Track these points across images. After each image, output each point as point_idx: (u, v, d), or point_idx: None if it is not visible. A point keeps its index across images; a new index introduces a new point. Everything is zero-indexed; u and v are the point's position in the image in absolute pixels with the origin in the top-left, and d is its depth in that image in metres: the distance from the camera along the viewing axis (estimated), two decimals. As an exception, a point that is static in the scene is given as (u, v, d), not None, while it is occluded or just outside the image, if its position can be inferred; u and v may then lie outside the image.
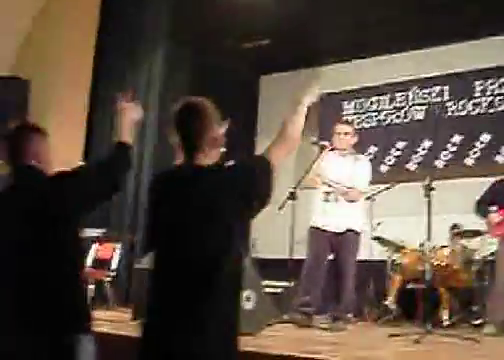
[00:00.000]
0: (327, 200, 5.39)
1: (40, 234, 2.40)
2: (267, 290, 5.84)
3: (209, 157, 2.32)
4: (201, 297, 2.10)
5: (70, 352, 2.34)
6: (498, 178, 6.23)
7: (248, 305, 4.12)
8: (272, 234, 7.78)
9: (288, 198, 5.20)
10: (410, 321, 6.52)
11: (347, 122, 5.72)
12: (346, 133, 5.51)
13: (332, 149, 5.49)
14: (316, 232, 5.44)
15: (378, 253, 7.42)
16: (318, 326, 5.19)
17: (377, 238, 7.28)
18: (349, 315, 5.58)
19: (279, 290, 6.03)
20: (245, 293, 4.11)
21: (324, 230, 5.42)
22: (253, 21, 8.22)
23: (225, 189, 2.21)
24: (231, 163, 2.36)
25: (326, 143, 5.45)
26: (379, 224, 7.34)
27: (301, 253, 5.58)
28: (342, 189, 5.36)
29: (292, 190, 5.24)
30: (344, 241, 5.37)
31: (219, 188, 2.22)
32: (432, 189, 4.79)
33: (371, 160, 8.47)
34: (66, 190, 2.44)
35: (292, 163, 7.64)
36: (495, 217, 5.91)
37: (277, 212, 5.04)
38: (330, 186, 5.39)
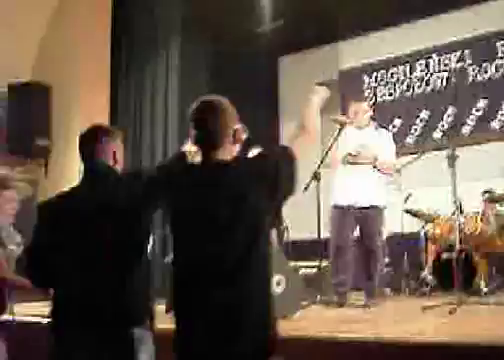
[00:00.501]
0: (350, 171, 5.36)
1: (121, 231, 2.48)
2: (301, 272, 5.90)
3: (229, 153, 2.35)
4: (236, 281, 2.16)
5: (132, 347, 2.41)
6: None
7: (279, 289, 4.15)
8: (300, 215, 7.77)
9: (312, 179, 5.17)
10: (448, 291, 6.47)
11: (360, 100, 5.67)
12: (361, 111, 5.45)
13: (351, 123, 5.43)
14: (338, 210, 5.42)
15: (410, 225, 7.36)
16: (354, 304, 5.18)
17: (408, 211, 7.24)
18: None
19: (312, 271, 6.03)
20: (275, 278, 4.14)
21: (346, 207, 5.39)
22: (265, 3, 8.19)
23: (250, 182, 2.24)
24: (255, 153, 2.40)
25: (346, 119, 5.40)
26: (409, 196, 7.28)
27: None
28: (370, 156, 5.32)
29: (316, 170, 5.20)
30: (368, 217, 5.35)
31: (244, 183, 2.25)
32: (457, 157, 4.73)
33: (395, 133, 8.52)
34: (138, 188, 2.53)
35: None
36: None
37: (303, 193, 5.02)
38: (354, 159, 5.35)
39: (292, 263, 7.02)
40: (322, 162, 5.14)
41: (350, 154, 5.37)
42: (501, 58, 7.86)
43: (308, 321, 4.09)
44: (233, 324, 2.14)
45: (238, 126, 2.40)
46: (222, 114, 2.36)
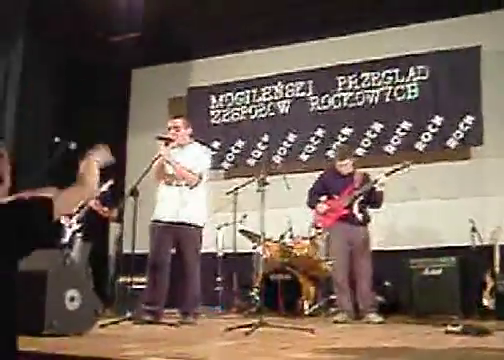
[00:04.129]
0: (170, 184, 5.43)
1: None
2: (132, 287, 5.85)
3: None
4: None
5: None
6: (326, 169, 6.60)
7: (72, 305, 4.09)
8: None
9: (130, 194, 5.18)
10: (273, 311, 6.67)
11: (176, 116, 5.73)
12: (175, 127, 5.53)
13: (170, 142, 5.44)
14: (156, 225, 5.44)
15: (243, 245, 7.55)
16: (166, 322, 5.18)
17: (242, 231, 7.43)
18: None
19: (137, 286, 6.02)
20: (69, 293, 4.09)
21: (165, 223, 5.41)
22: (121, 14, 8.13)
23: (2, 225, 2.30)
24: (10, 199, 2.40)
25: (170, 136, 5.45)
26: (245, 217, 7.47)
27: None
28: (183, 172, 5.38)
29: (134, 186, 5.22)
30: (185, 234, 5.38)
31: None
32: (266, 184, 4.93)
33: (238, 154, 8.73)
34: None
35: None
36: (321, 208, 6.23)
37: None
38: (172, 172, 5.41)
39: (122, 279, 7.03)
40: (141, 179, 5.15)
41: (169, 175, 5.44)
42: (341, 91, 8.31)
43: (94, 340, 4.00)
44: None
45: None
46: None
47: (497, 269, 6.42)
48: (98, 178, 2.62)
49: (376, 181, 6.07)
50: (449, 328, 4.53)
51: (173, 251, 5.50)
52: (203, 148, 5.73)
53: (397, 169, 6.10)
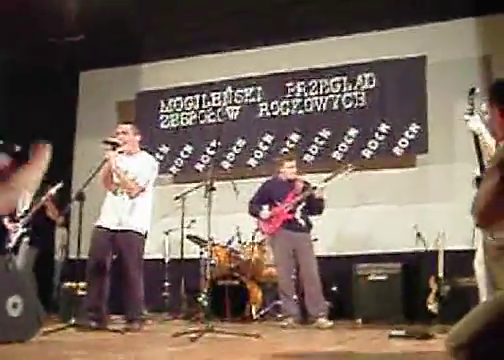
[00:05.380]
0: (116, 193, 5.38)
1: None
2: (77, 293, 5.76)
3: None
4: None
5: None
6: (269, 178, 6.69)
7: (15, 312, 4.01)
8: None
9: (76, 199, 5.12)
10: (221, 317, 6.66)
11: (126, 122, 5.69)
12: (124, 132, 5.48)
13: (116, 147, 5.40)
14: (99, 231, 5.39)
15: (191, 251, 7.52)
16: (111, 329, 5.12)
17: (190, 236, 7.40)
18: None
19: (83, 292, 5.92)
20: (11, 299, 4.01)
21: (105, 228, 5.37)
22: (69, 15, 8.01)
23: None
24: None
25: (117, 140, 5.40)
26: (193, 222, 7.44)
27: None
28: (127, 181, 5.34)
29: (80, 190, 5.16)
30: (126, 241, 5.33)
31: None
32: (213, 189, 4.93)
33: (187, 159, 8.70)
34: None
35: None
36: (265, 214, 6.31)
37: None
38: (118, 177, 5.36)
39: (67, 284, 6.90)
40: (88, 183, 5.09)
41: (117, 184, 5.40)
42: (289, 98, 8.37)
43: (38, 346, 3.93)
44: None
45: None
46: None
47: (441, 274, 6.55)
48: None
49: (316, 187, 6.17)
50: (393, 332, 4.60)
51: (115, 258, 5.45)
52: (150, 158, 5.69)
53: (337, 173, 6.22)
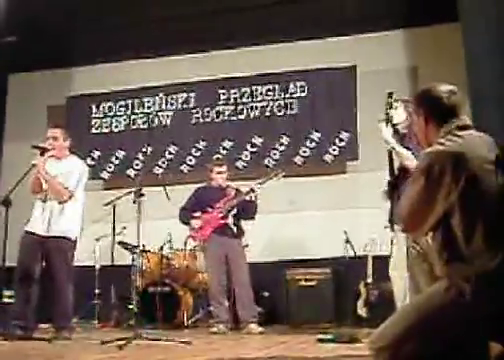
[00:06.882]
0: (45, 201, 5.29)
1: None
2: (2, 301, 5.59)
3: None
4: None
5: None
6: (201, 184, 6.73)
7: None
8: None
9: (1, 204, 5.00)
10: (153, 324, 6.61)
11: (56, 126, 5.59)
12: (54, 138, 5.39)
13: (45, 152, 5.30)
14: (27, 237, 5.27)
15: (122, 257, 7.45)
16: (38, 337, 5.01)
17: (121, 242, 7.32)
18: (71, 324, 5.44)
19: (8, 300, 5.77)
20: None
21: (34, 234, 5.26)
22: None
23: None
24: None
25: (47, 146, 5.30)
26: (124, 228, 7.37)
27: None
28: (56, 186, 5.25)
29: (6, 196, 5.04)
30: (55, 247, 5.23)
31: None
32: (142, 195, 4.91)
33: (118, 164, 8.62)
34: None
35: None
36: (196, 223, 6.34)
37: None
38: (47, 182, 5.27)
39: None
40: (14, 188, 4.98)
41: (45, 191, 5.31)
42: (222, 105, 8.41)
43: None
44: None
45: None
46: None
47: (370, 279, 6.69)
48: None
49: (249, 192, 6.23)
50: (320, 336, 4.67)
51: (43, 264, 5.34)
52: (80, 163, 5.59)
53: (269, 178, 6.31)
